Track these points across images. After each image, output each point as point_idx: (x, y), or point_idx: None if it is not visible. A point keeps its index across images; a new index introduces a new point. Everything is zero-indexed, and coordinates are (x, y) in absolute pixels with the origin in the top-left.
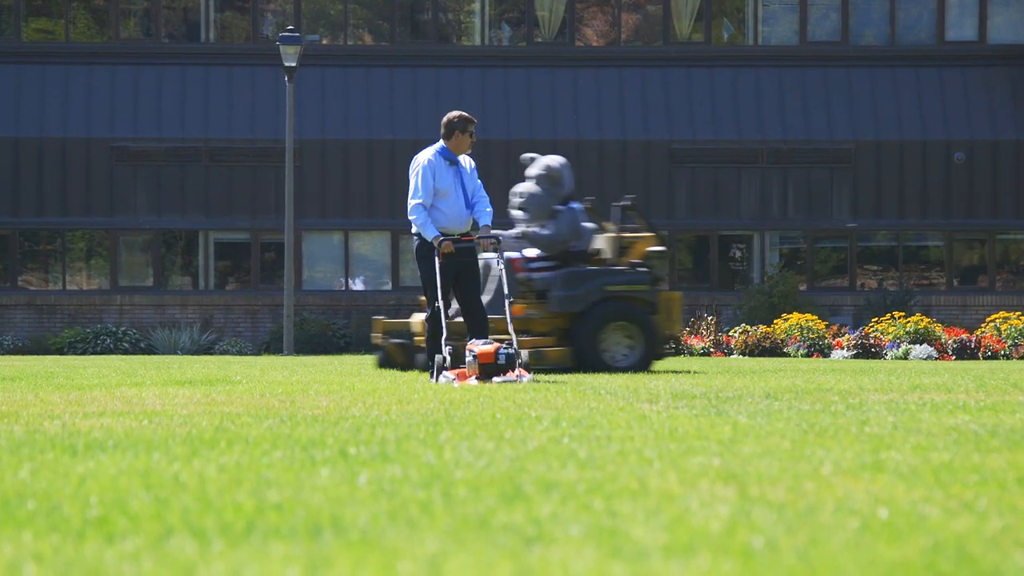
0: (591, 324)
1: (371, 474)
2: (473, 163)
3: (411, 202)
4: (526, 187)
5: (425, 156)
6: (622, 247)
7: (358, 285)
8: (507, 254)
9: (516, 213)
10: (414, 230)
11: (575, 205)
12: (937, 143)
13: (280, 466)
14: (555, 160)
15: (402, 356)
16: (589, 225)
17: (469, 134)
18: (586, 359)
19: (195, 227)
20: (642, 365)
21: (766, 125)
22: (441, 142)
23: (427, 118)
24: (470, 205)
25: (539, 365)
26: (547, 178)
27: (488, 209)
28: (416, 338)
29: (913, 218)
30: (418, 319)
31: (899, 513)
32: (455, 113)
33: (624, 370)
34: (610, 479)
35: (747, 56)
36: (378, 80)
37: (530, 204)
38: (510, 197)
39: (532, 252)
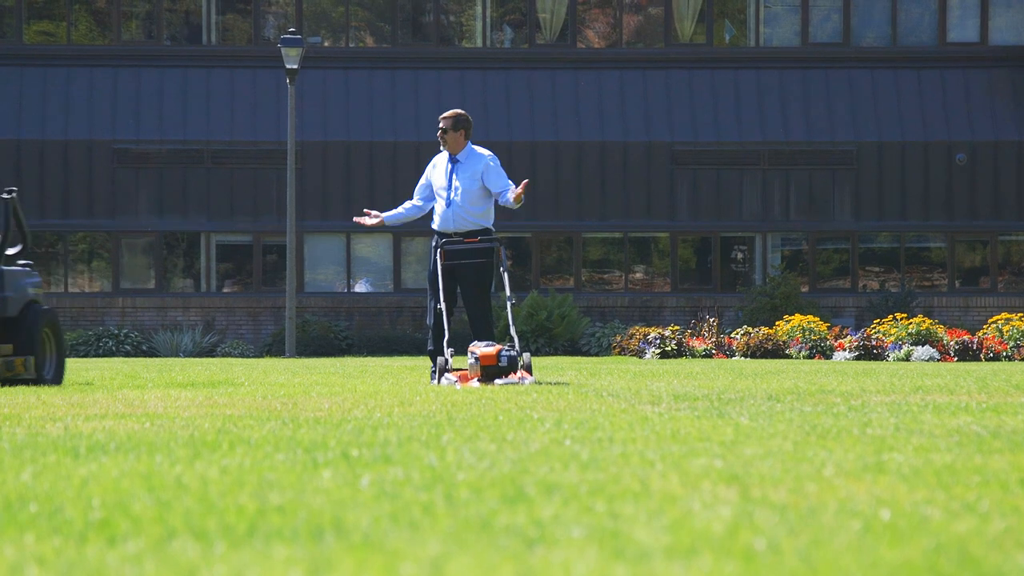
0: None
1: (373, 476)
2: (492, 161)
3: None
4: None
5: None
6: None
7: (360, 287)
8: None
9: None
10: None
11: None
12: (939, 144)
13: (282, 468)
14: None
15: None
16: None
17: (440, 131)
18: None
19: (197, 229)
20: None
21: (768, 126)
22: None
23: (428, 120)
24: (463, 205)
25: None
26: None
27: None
28: None
29: (915, 219)
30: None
31: (901, 514)
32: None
33: None
34: (612, 481)
35: (749, 57)
36: (380, 82)
37: None
38: None
39: None
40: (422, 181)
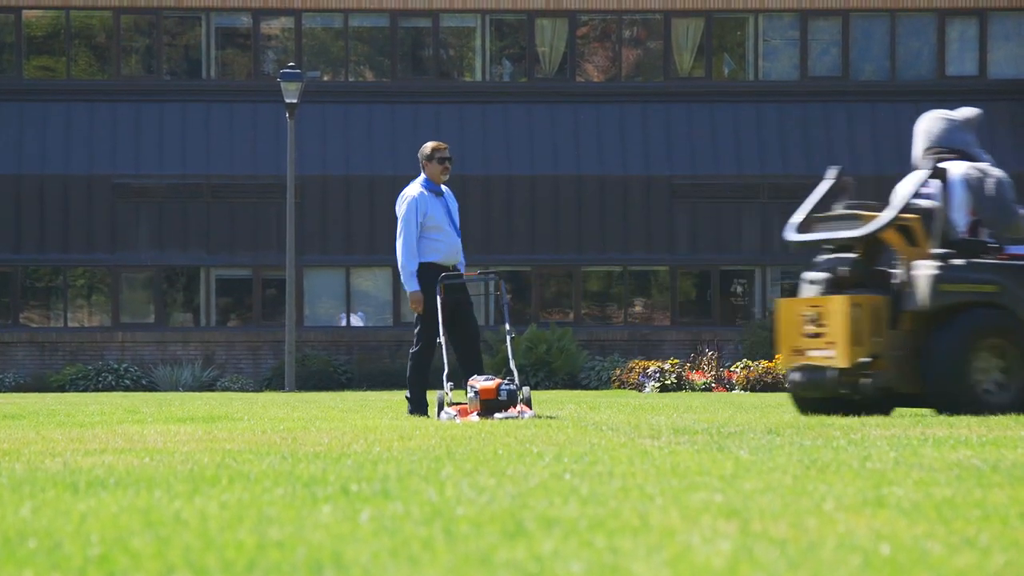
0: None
1: (373, 511)
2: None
3: (399, 243)
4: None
5: (412, 191)
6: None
7: (359, 321)
8: None
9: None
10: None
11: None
12: None
13: (281, 503)
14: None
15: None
16: None
17: (437, 160)
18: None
19: (196, 263)
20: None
21: (767, 160)
22: (423, 175)
23: None
24: (458, 238)
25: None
26: None
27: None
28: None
29: None
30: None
31: (901, 549)
32: (427, 144)
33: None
34: (612, 515)
35: (748, 91)
36: (379, 116)
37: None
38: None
39: None
40: (414, 217)
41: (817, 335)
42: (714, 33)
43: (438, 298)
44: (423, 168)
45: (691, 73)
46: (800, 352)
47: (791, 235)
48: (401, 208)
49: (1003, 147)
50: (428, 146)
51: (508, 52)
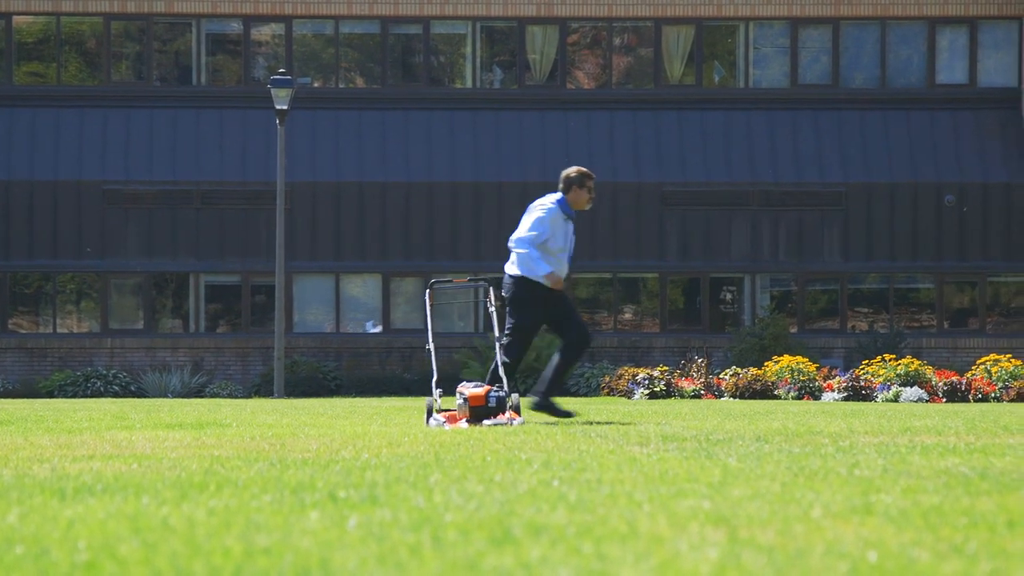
0: None
1: (360, 518)
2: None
3: (521, 237)
4: None
5: (549, 201)
6: None
7: (349, 327)
8: None
9: None
10: (512, 271)
11: None
12: (928, 185)
13: (269, 510)
14: None
15: None
16: None
17: (587, 189)
18: None
19: (186, 270)
20: None
21: (757, 167)
22: (560, 194)
23: (418, 160)
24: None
25: None
26: None
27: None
28: None
29: (904, 260)
30: None
31: (889, 556)
32: (575, 168)
33: None
34: (600, 522)
35: (738, 99)
36: (369, 123)
37: None
38: None
39: None
40: (547, 228)
41: None
42: (705, 41)
43: (428, 305)
44: (568, 190)
45: (681, 80)
46: None
47: None
48: (535, 213)
49: (992, 157)
50: (577, 171)
51: (499, 59)
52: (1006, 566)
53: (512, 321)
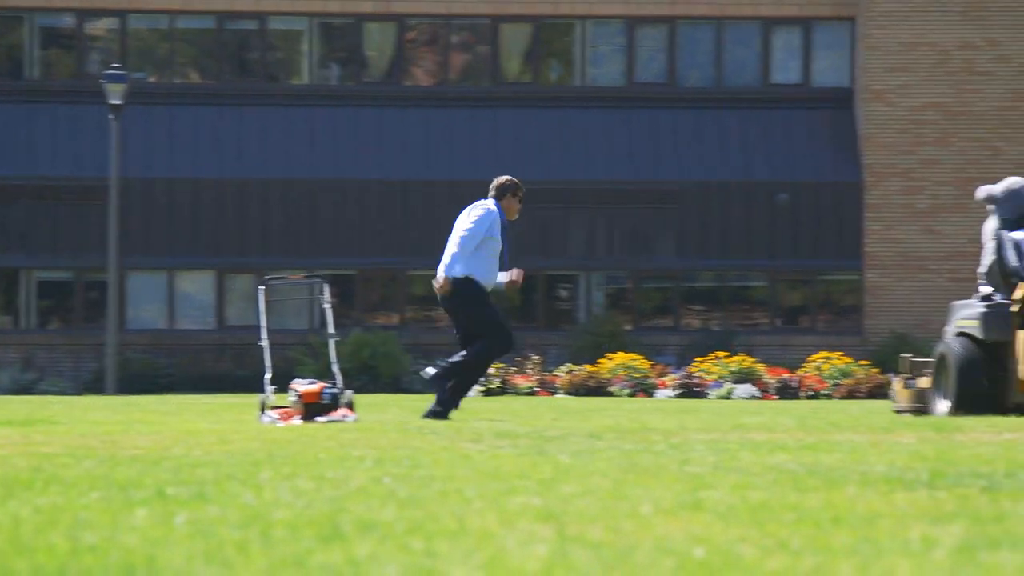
0: None
1: (189, 515)
2: None
3: (460, 238)
4: None
5: (488, 205)
6: None
7: (183, 324)
8: None
9: None
10: (454, 273)
11: None
12: (761, 184)
13: (97, 507)
14: None
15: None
16: None
17: (518, 199)
18: None
19: (16, 265)
20: None
21: (593, 165)
22: (493, 201)
23: (253, 156)
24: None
25: None
26: None
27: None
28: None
29: (737, 258)
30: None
31: (715, 552)
32: (506, 177)
33: None
34: (430, 519)
35: (575, 97)
36: (205, 118)
37: None
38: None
39: None
40: (483, 231)
41: None
42: (542, 39)
43: (261, 300)
44: (502, 198)
45: (519, 78)
46: None
47: None
48: (473, 213)
49: (824, 156)
50: (509, 180)
51: (336, 56)
52: (830, 561)
53: (477, 318)
